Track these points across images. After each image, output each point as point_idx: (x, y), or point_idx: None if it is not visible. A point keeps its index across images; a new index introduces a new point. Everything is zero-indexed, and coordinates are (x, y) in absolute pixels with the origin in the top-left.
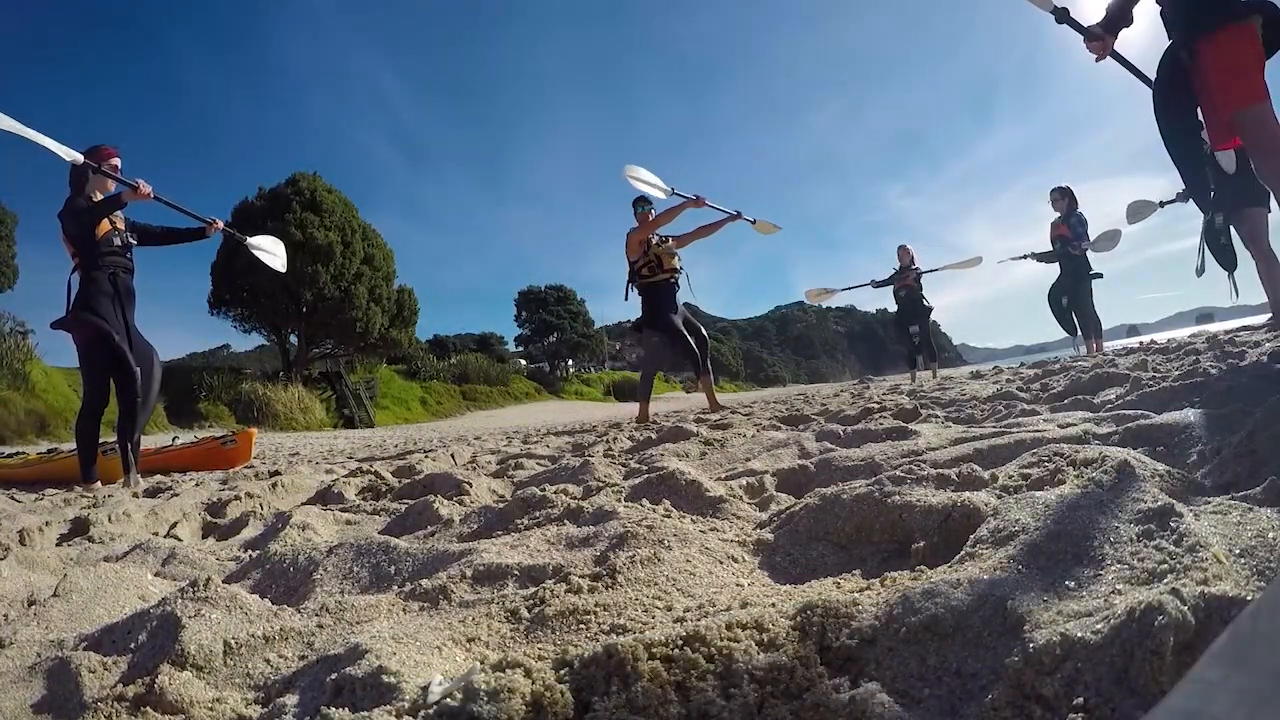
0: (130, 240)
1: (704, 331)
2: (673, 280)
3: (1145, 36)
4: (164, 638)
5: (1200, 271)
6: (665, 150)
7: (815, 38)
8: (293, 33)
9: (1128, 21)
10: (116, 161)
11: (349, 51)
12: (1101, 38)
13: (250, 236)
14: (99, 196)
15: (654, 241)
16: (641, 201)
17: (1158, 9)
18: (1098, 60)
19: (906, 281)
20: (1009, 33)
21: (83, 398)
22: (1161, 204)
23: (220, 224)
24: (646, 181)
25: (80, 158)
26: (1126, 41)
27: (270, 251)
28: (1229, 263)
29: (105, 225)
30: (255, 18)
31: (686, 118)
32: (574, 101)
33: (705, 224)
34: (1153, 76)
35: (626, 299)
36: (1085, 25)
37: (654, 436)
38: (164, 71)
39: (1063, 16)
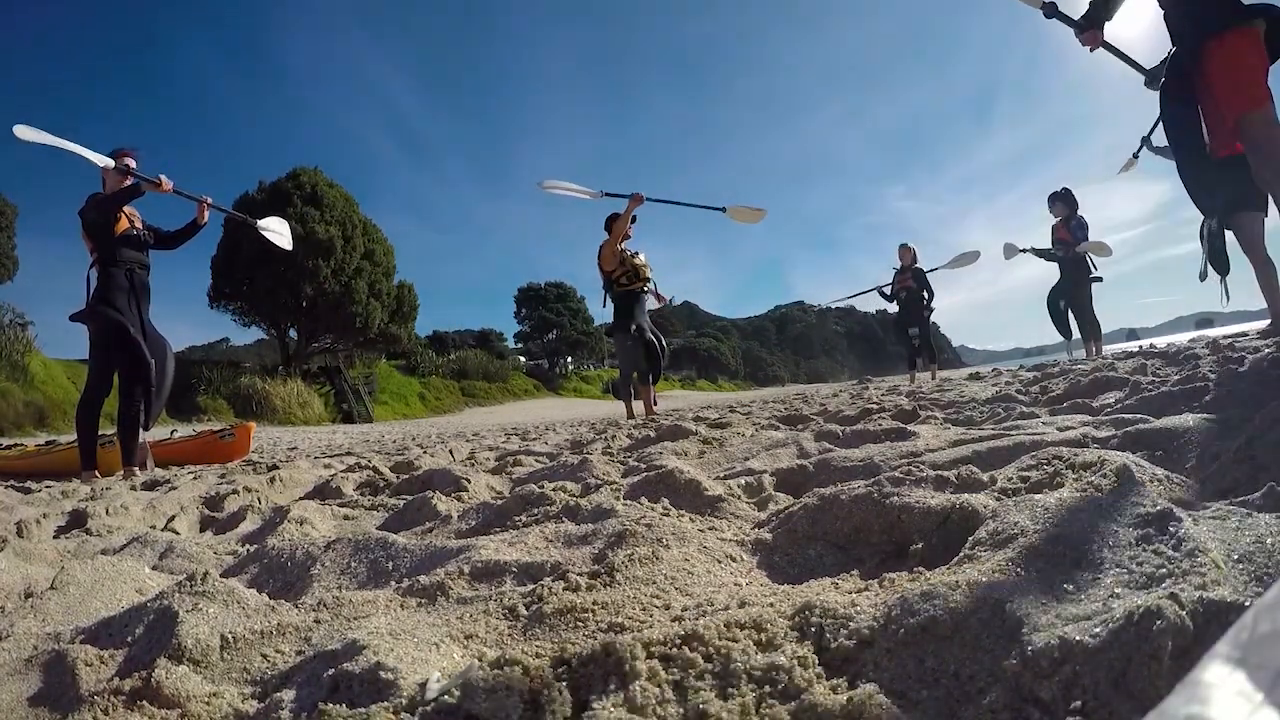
0: (147, 239)
1: (665, 343)
2: (644, 290)
3: (1150, 38)
4: (161, 631)
5: (1203, 276)
6: (665, 149)
7: (816, 39)
8: (295, 27)
9: (1109, 15)
10: (131, 161)
11: (351, 46)
12: (1089, 29)
13: (256, 219)
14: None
15: (629, 254)
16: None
17: (1161, 13)
18: (1091, 50)
19: (905, 282)
20: (1008, 36)
21: (86, 385)
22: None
23: (209, 200)
24: (567, 189)
25: (111, 163)
26: (1129, 43)
27: (277, 231)
28: (1222, 267)
29: (124, 222)
30: (256, 9)
31: (687, 117)
32: (575, 98)
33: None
34: (1145, 65)
35: (604, 306)
36: (1072, 18)
37: (653, 435)
38: (165, 63)
39: (1051, 11)
